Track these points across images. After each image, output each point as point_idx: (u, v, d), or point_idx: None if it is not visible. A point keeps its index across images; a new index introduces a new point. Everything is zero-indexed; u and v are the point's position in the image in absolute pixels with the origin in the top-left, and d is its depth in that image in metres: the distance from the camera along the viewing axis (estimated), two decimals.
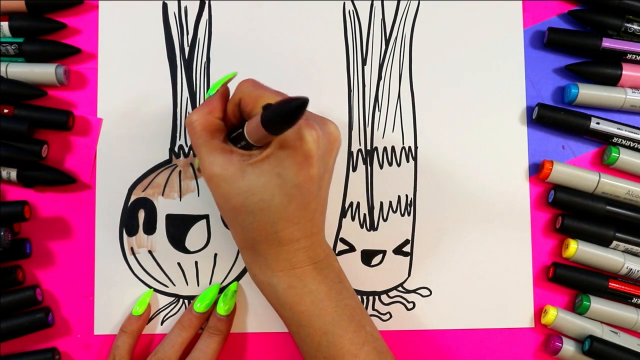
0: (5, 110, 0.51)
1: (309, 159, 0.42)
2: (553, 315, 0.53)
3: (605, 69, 0.53)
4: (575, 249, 0.53)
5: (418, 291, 0.54)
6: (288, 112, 0.37)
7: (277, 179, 0.42)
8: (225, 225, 0.53)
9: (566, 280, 0.53)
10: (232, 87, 0.47)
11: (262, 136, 0.41)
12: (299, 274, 0.45)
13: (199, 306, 0.52)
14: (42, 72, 0.52)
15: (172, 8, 0.54)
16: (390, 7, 0.54)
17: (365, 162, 0.54)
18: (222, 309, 0.51)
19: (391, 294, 0.54)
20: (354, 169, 0.54)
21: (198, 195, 0.53)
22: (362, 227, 0.54)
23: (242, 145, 0.44)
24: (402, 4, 0.54)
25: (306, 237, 0.45)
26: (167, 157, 0.53)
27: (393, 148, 0.54)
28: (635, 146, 0.53)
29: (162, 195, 0.53)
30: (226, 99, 0.47)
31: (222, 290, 0.53)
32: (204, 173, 0.44)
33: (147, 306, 0.52)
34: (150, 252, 0.53)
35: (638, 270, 0.53)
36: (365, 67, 0.54)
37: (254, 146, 0.43)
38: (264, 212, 0.43)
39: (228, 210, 0.45)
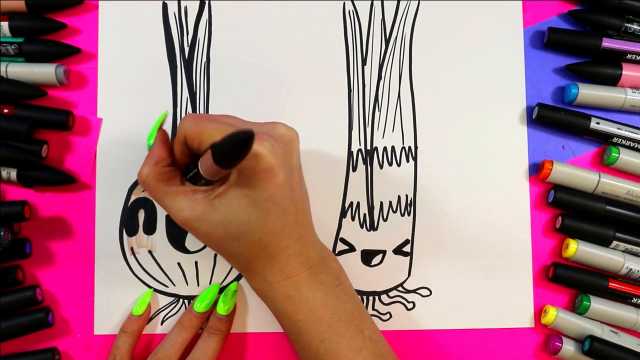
0: (5, 110, 0.51)
1: (270, 171, 0.42)
2: (553, 315, 0.53)
3: (605, 69, 0.53)
4: (575, 248, 0.53)
5: (418, 291, 0.54)
6: (236, 147, 0.38)
7: (248, 200, 0.43)
8: None
9: (566, 280, 0.53)
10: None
11: (219, 171, 0.41)
12: (295, 283, 0.46)
13: (199, 306, 0.52)
14: (42, 72, 0.52)
15: (172, 8, 0.54)
16: (390, 7, 0.54)
17: (365, 162, 0.54)
18: (222, 309, 0.51)
19: (391, 294, 0.54)
20: (354, 169, 0.54)
21: None
22: (362, 227, 0.54)
23: (202, 183, 0.44)
24: (402, 4, 0.54)
25: (295, 241, 0.45)
26: None
27: (393, 148, 0.54)
28: (635, 146, 0.53)
29: None
30: (167, 142, 0.47)
31: (222, 290, 0.53)
32: (176, 221, 0.45)
33: (147, 306, 0.52)
34: (150, 252, 0.53)
35: (638, 270, 0.53)
36: (365, 67, 0.54)
37: (214, 180, 0.43)
38: (247, 234, 0.44)
39: (213, 244, 0.46)
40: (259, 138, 0.42)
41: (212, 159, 0.39)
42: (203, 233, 0.44)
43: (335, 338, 0.45)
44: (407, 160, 0.54)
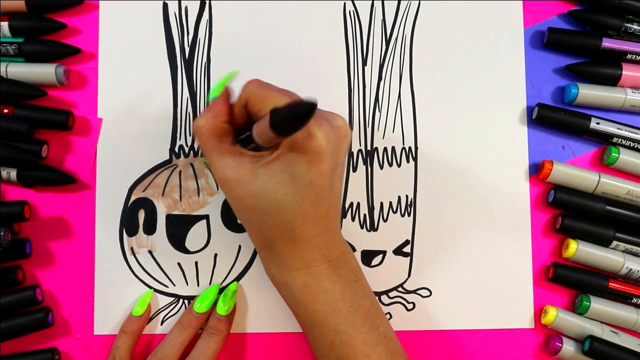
0: (5, 110, 0.51)
1: (319, 156, 0.42)
2: (553, 315, 0.53)
3: (605, 69, 0.53)
4: (575, 249, 0.53)
5: (418, 292, 0.54)
6: (297, 116, 0.37)
7: (289, 178, 0.42)
8: (226, 226, 0.53)
9: (566, 280, 0.53)
10: (236, 86, 0.47)
11: (271, 138, 0.41)
12: (315, 273, 0.45)
13: (199, 306, 0.52)
14: (42, 72, 0.52)
15: (173, 8, 0.54)
16: (390, 8, 0.54)
17: (365, 163, 0.54)
18: (221, 309, 0.51)
19: (391, 294, 0.54)
20: (354, 169, 0.54)
21: (198, 195, 0.53)
22: (362, 227, 0.54)
23: (251, 147, 0.44)
24: (403, 5, 0.54)
25: (321, 233, 0.45)
26: (167, 157, 0.53)
27: (393, 148, 0.54)
28: (635, 146, 0.53)
29: (163, 195, 0.53)
30: (229, 101, 0.46)
31: (221, 290, 0.53)
32: (216, 177, 0.44)
33: (147, 307, 0.52)
34: (150, 252, 0.53)
35: (638, 270, 0.53)
36: (365, 67, 0.54)
37: (263, 147, 0.43)
38: (278, 212, 0.43)
39: (243, 212, 0.45)
40: (318, 121, 0.42)
41: (269, 123, 0.39)
42: (236, 196, 0.44)
43: (352, 332, 0.45)
44: (408, 161, 0.54)
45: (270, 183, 0.42)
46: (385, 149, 0.54)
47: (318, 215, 0.44)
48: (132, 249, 0.53)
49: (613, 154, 0.53)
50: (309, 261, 0.45)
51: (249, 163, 0.43)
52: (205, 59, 0.54)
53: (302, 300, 0.46)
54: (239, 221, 0.53)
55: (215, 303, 0.52)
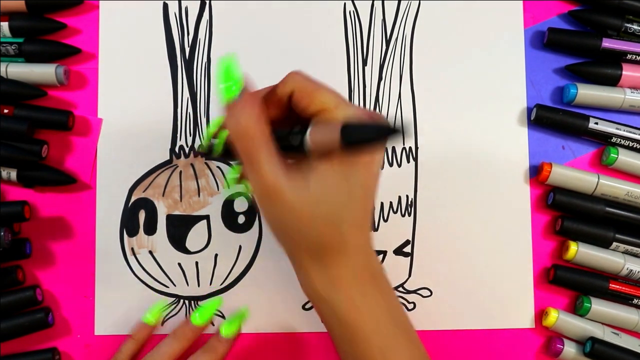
0: (5, 111, 0.51)
1: (374, 158, 0.40)
2: (554, 317, 0.52)
3: (605, 69, 0.53)
4: (576, 250, 0.53)
5: (418, 292, 0.54)
6: (372, 138, 0.36)
7: (346, 182, 0.39)
8: (226, 227, 0.53)
9: (567, 282, 0.53)
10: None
11: (332, 150, 0.38)
12: (360, 286, 0.42)
13: (197, 318, 0.51)
14: (42, 72, 0.52)
15: (173, 8, 0.54)
16: (390, 8, 0.54)
17: None
18: (226, 330, 0.51)
19: None
20: None
21: (198, 196, 0.53)
22: None
23: (290, 148, 0.40)
24: (403, 5, 0.54)
25: (364, 242, 0.42)
26: (167, 157, 0.53)
27: (393, 148, 0.54)
28: (634, 146, 0.53)
29: (163, 195, 0.53)
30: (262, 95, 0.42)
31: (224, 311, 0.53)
32: (261, 184, 0.38)
33: (160, 318, 0.52)
34: (150, 252, 0.53)
35: (638, 272, 0.53)
36: (365, 67, 0.54)
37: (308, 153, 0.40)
38: (331, 215, 0.39)
39: (290, 223, 0.40)
40: None
41: (340, 140, 0.37)
42: (288, 205, 0.38)
43: (395, 348, 0.42)
44: (408, 161, 0.54)
45: (325, 187, 0.39)
46: (385, 149, 0.54)
47: (366, 220, 0.41)
48: (132, 249, 0.53)
49: (612, 154, 0.53)
50: (356, 272, 0.41)
51: (297, 168, 0.39)
52: (205, 59, 0.54)
53: (347, 318, 0.41)
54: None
55: (212, 316, 0.52)
